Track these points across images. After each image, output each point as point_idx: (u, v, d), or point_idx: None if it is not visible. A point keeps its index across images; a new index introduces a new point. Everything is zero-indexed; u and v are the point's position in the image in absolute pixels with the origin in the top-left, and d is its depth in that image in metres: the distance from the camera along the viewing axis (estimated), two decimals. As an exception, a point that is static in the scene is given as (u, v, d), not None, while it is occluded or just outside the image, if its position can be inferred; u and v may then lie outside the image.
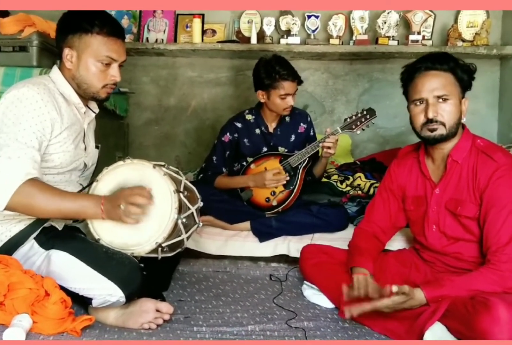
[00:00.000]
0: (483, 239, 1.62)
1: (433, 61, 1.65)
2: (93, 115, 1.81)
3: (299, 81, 2.43)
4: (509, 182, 1.59)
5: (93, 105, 1.81)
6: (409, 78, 1.69)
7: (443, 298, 1.50)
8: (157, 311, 1.58)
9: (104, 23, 1.60)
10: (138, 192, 1.51)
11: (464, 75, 1.65)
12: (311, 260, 1.94)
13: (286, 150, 2.55)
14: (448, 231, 1.71)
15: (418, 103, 1.66)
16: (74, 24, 1.61)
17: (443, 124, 1.63)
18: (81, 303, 1.58)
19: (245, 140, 2.56)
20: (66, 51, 1.63)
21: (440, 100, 1.62)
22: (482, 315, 1.36)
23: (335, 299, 1.78)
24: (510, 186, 1.59)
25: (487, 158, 1.63)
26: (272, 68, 2.35)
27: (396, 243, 2.13)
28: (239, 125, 2.55)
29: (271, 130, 2.56)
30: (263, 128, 2.55)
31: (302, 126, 2.59)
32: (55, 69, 1.69)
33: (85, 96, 1.69)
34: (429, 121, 1.63)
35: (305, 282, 1.97)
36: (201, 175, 2.57)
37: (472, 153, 1.67)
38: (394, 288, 1.47)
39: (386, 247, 2.00)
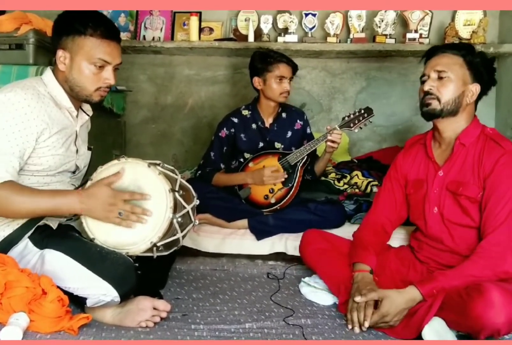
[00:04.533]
0: (481, 224, 1.64)
1: (447, 46, 1.78)
2: (87, 117, 1.80)
3: (294, 68, 2.51)
4: None
5: (87, 108, 1.79)
6: (425, 62, 1.79)
7: (438, 291, 1.52)
8: (154, 309, 1.58)
9: (98, 25, 1.58)
10: (134, 197, 1.52)
11: (475, 59, 1.71)
12: (312, 245, 1.95)
13: (282, 146, 2.57)
14: (446, 213, 1.73)
15: (422, 81, 1.75)
16: (68, 25, 1.59)
17: (438, 99, 1.70)
18: (78, 301, 1.57)
19: (242, 135, 2.57)
20: (60, 53, 1.61)
21: (440, 76, 1.69)
22: (475, 300, 1.38)
23: (334, 287, 1.80)
24: None
25: (495, 145, 1.67)
26: (267, 54, 2.49)
27: (395, 242, 2.11)
28: (235, 120, 2.58)
29: (267, 125, 2.59)
30: (259, 123, 2.57)
31: (299, 123, 2.61)
32: (48, 71, 1.67)
33: (78, 99, 1.67)
34: (425, 94, 1.71)
35: (302, 279, 1.98)
36: (199, 172, 2.57)
37: (481, 139, 1.71)
38: (357, 298, 1.57)
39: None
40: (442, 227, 1.74)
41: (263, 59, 2.48)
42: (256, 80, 2.51)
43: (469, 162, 1.70)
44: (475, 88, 1.71)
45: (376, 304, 1.58)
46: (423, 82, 1.75)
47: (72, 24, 1.58)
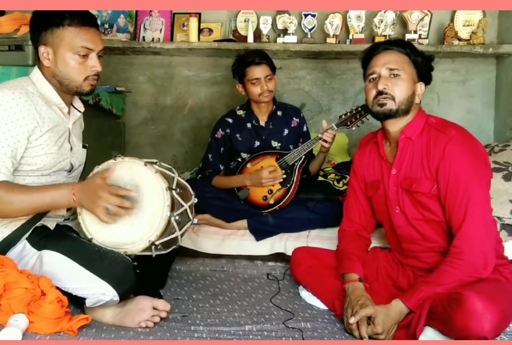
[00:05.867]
0: (446, 217, 1.60)
1: (389, 43, 1.72)
2: (79, 114, 1.79)
3: (270, 66, 2.46)
4: (462, 155, 1.57)
5: (78, 104, 1.78)
6: (367, 59, 1.73)
7: (424, 301, 1.49)
8: (154, 309, 1.57)
9: (74, 14, 1.58)
10: (120, 192, 1.52)
11: (418, 58, 1.68)
12: (302, 265, 1.94)
13: (279, 144, 2.57)
14: (408, 211, 1.69)
15: (371, 79, 1.69)
16: (44, 20, 1.59)
17: (393, 98, 1.64)
18: (77, 302, 1.57)
19: (237, 135, 2.58)
20: (42, 49, 1.60)
21: (392, 75, 1.65)
22: (456, 312, 1.35)
23: (329, 303, 1.78)
24: (463, 160, 1.57)
25: (438, 133, 1.63)
26: (241, 59, 2.48)
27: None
28: (230, 120, 2.59)
29: (262, 124, 2.59)
30: (253, 121, 2.58)
31: (295, 121, 2.62)
32: (36, 69, 1.66)
33: (69, 92, 1.66)
34: (379, 94, 1.65)
35: (301, 282, 1.97)
36: (200, 175, 2.57)
37: (425, 130, 1.67)
38: (351, 320, 1.53)
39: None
40: (409, 226, 1.71)
41: (238, 65, 2.49)
42: (240, 87, 2.54)
43: (418, 156, 1.66)
44: (421, 87, 1.69)
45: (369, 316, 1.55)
46: (371, 80, 1.69)
47: (48, 18, 1.58)
